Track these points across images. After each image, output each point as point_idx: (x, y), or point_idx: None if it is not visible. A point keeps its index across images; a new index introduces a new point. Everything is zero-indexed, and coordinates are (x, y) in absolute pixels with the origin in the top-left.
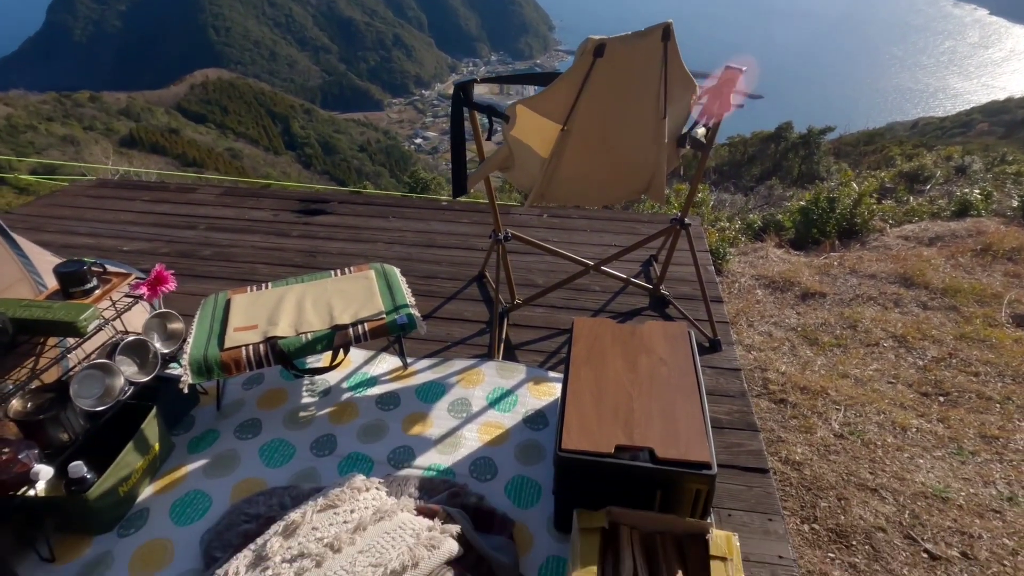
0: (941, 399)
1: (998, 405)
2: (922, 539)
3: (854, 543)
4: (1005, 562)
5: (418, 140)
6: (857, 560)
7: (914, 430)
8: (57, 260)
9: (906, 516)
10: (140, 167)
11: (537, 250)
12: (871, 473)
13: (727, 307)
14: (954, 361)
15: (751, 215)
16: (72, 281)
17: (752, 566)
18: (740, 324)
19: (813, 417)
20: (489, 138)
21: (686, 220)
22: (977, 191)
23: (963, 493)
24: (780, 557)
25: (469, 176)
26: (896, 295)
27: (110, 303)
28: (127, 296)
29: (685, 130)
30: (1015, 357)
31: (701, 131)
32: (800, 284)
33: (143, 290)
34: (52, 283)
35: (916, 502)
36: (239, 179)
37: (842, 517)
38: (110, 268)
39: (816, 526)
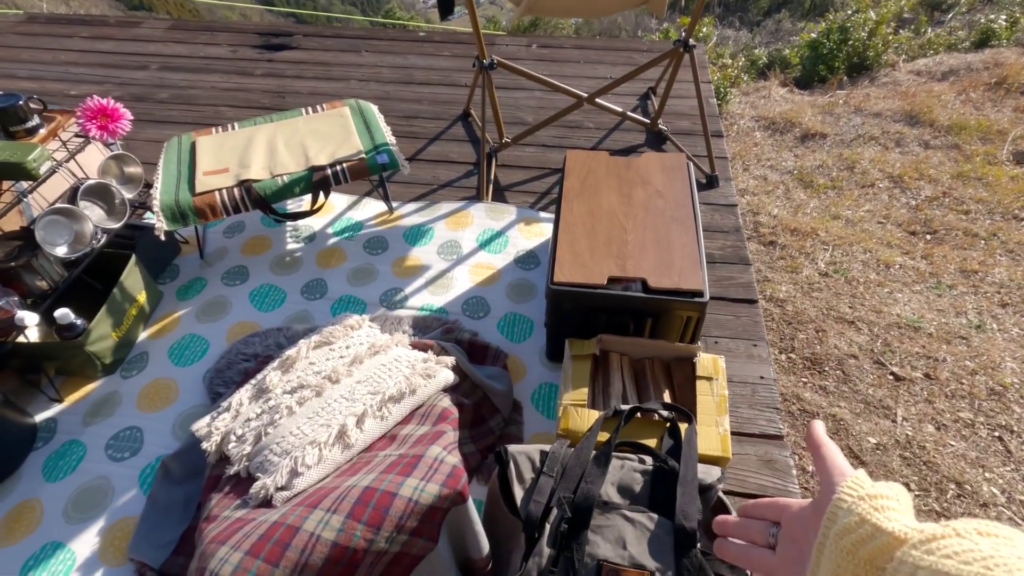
0: (928, 237)
1: (983, 242)
2: (890, 364)
3: (826, 369)
4: (963, 381)
5: None
6: (827, 383)
7: (897, 267)
8: None
9: (878, 345)
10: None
11: (525, 83)
12: (850, 307)
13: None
14: (947, 200)
15: (756, 51)
16: (10, 118)
17: (735, 385)
18: (736, 168)
19: (800, 258)
20: None
21: (691, 42)
22: (1003, 17)
23: (935, 323)
24: (761, 378)
25: None
26: (899, 134)
27: (60, 144)
28: (76, 136)
29: None
30: (1008, 195)
31: None
32: (801, 125)
33: (91, 128)
34: None
35: (889, 332)
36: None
37: (818, 347)
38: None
39: (793, 355)
